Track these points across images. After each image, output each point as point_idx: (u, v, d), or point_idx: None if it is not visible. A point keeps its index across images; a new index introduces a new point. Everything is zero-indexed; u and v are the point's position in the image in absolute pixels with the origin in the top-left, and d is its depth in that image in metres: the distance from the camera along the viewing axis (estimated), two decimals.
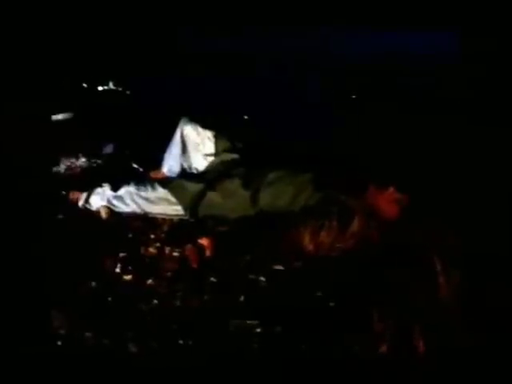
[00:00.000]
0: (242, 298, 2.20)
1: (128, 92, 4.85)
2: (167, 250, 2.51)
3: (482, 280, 2.25)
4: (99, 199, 2.83)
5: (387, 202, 2.53)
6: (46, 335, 1.99)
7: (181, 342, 1.98)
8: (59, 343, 1.96)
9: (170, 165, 3.06)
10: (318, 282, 2.28)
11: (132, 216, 2.76)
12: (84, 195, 2.87)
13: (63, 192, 2.97)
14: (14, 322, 2.05)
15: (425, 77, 5.37)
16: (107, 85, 4.93)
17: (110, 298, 2.20)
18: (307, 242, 2.44)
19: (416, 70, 5.70)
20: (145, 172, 3.23)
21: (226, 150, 2.93)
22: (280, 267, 2.39)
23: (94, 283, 2.28)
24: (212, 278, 2.31)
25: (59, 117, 3.36)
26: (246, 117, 4.28)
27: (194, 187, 2.73)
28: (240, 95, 4.60)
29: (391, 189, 2.54)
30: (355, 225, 2.45)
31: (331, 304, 2.18)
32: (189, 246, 2.47)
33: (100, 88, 4.90)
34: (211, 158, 2.93)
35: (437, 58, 6.00)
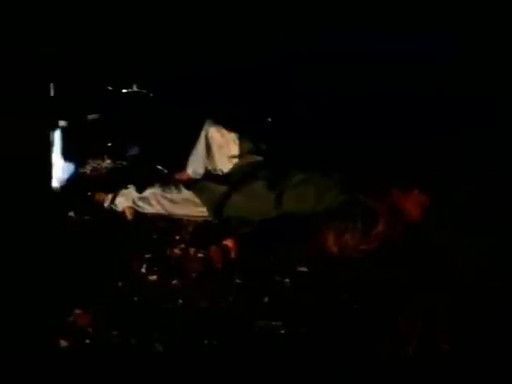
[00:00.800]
0: (266, 300, 2.21)
1: (152, 94, 4.87)
2: (192, 251, 2.53)
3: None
4: (124, 200, 2.86)
5: (411, 204, 2.53)
6: (73, 334, 2.02)
7: (206, 342, 2.00)
8: (87, 341, 1.98)
9: (195, 166, 3.08)
10: (342, 284, 2.29)
11: (157, 217, 2.79)
12: (110, 196, 2.89)
13: (89, 193, 3.00)
14: (40, 320, 2.08)
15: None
16: (131, 87, 4.96)
17: (135, 298, 2.22)
18: (331, 244, 2.45)
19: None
20: (169, 174, 3.25)
21: (250, 152, 2.94)
22: (304, 269, 2.40)
23: (119, 283, 2.30)
24: (236, 280, 2.33)
25: (92, 117, 3.39)
26: (269, 119, 4.28)
27: (218, 189, 2.75)
28: (264, 96, 4.60)
29: (415, 191, 2.54)
30: (379, 227, 2.46)
31: (355, 306, 2.18)
32: (213, 248, 2.49)
33: (124, 90, 4.93)
34: (235, 160, 2.94)
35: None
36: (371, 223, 2.46)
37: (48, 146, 2.58)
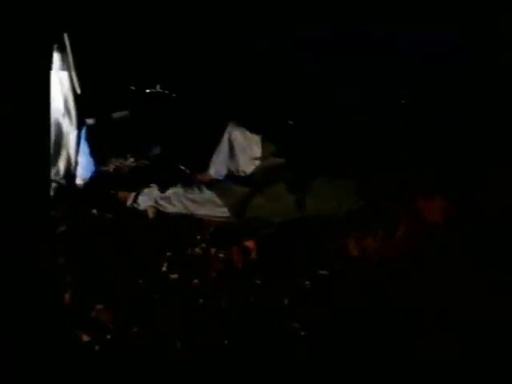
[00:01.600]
0: (286, 301, 2.22)
1: (175, 94, 4.90)
2: (213, 250, 2.55)
3: None
4: (147, 199, 2.88)
5: (433, 209, 2.52)
6: (94, 329, 2.04)
7: (226, 341, 2.01)
8: (108, 337, 2.01)
9: (217, 167, 3.10)
10: (363, 287, 2.29)
11: (179, 216, 2.81)
12: (132, 195, 2.92)
13: (112, 191, 3.03)
14: (62, 315, 2.11)
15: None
16: (154, 87, 4.99)
17: (156, 296, 2.24)
18: (352, 248, 2.46)
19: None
20: (192, 174, 3.27)
21: (272, 155, 2.96)
22: (324, 272, 2.40)
23: (141, 281, 2.32)
24: (257, 280, 2.34)
25: (115, 115, 3.42)
26: (291, 122, 4.28)
27: (240, 190, 2.77)
28: (285, 98, 4.61)
29: (437, 196, 2.54)
30: (400, 231, 2.46)
31: (375, 308, 2.18)
32: (234, 248, 2.50)
33: (147, 90, 4.96)
34: (258, 162, 2.96)
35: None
36: (392, 227, 2.46)
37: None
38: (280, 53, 5.83)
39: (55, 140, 2.74)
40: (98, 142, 3.09)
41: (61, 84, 2.67)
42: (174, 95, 4.85)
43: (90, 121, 2.89)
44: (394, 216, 2.51)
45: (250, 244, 2.50)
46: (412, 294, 2.24)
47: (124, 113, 3.50)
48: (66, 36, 2.63)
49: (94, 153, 3.09)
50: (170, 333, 2.05)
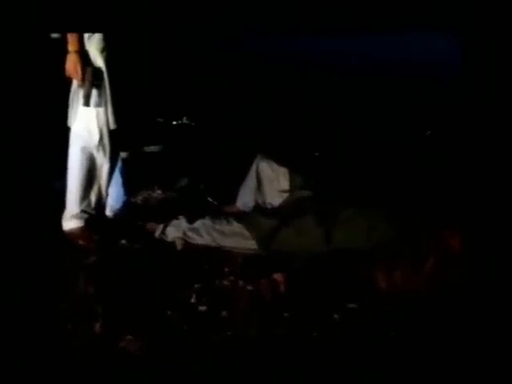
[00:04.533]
0: (315, 335, 2.21)
1: (201, 126, 4.96)
2: (241, 283, 2.55)
3: None
4: (175, 230, 2.91)
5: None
6: (123, 359, 2.05)
7: (254, 374, 2.00)
8: (135, 367, 2.01)
9: (245, 200, 3.13)
10: (392, 322, 2.27)
11: (207, 248, 2.82)
12: (160, 226, 2.95)
13: (140, 223, 3.06)
14: (91, 344, 2.12)
15: None
16: (181, 119, 5.06)
17: (185, 328, 2.24)
18: (381, 281, 2.45)
19: None
20: (219, 206, 3.30)
21: (300, 187, 2.98)
22: (353, 305, 2.39)
23: (169, 312, 2.33)
24: (285, 314, 2.33)
25: (151, 148, 3.49)
26: (316, 153, 4.31)
27: (267, 223, 2.78)
28: (312, 130, 4.65)
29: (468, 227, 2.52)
30: (430, 265, 2.44)
31: (404, 344, 2.16)
32: (263, 281, 2.51)
33: (174, 122, 5.03)
34: (285, 195, 2.98)
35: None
36: (422, 260, 2.46)
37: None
38: (303, 86, 5.90)
39: (88, 173, 2.81)
40: (129, 174, 3.14)
41: (97, 119, 2.73)
42: (200, 127, 4.92)
43: (123, 154, 2.94)
44: (423, 248, 2.50)
45: (278, 277, 2.50)
46: (440, 328, 2.23)
47: (157, 147, 3.57)
48: (104, 73, 2.70)
49: (124, 184, 3.14)
50: (198, 365, 2.05)
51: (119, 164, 3.00)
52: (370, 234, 2.63)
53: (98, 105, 2.72)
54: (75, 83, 2.74)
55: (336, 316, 2.32)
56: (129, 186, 3.17)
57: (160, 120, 4.94)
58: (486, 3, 1.92)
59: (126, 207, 3.17)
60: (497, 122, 2.01)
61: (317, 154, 4.30)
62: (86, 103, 2.70)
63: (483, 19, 1.92)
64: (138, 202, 3.44)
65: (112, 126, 2.74)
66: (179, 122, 5.07)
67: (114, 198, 3.08)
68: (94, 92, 2.71)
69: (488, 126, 2.04)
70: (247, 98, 5.52)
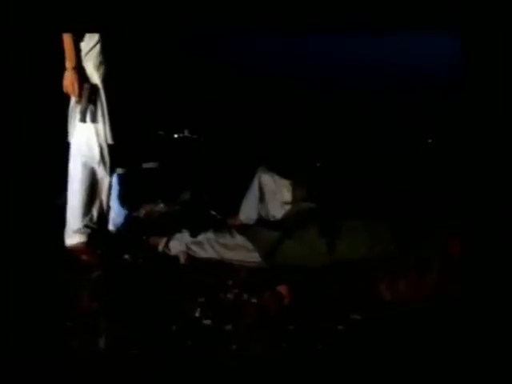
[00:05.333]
0: (319, 347, 2.21)
1: (203, 139, 4.96)
2: (245, 296, 2.55)
3: None
4: (178, 244, 2.91)
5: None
6: (126, 375, 2.05)
7: None
8: (139, 382, 2.01)
9: (247, 212, 3.14)
10: (396, 332, 2.27)
11: (210, 262, 2.83)
12: (164, 240, 2.95)
13: (143, 237, 3.07)
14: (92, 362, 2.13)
15: None
16: (183, 132, 5.07)
17: (189, 342, 2.24)
18: (384, 292, 2.45)
19: None
20: (222, 219, 3.30)
21: (303, 199, 2.98)
22: (357, 316, 2.39)
23: (173, 327, 2.33)
24: (290, 326, 2.33)
25: (148, 165, 3.50)
26: (318, 164, 4.31)
27: (271, 235, 2.79)
28: (314, 141, 4.65)
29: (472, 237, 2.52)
30: (434, 274, 2.44)
31: (409, 354, 2.16)
32: (267, 294, 2.51)
33: (176, 135, 5.04)
34: (288, 207, 2.99)
35: None
36: (425, 270, 2.45)
37: None
38: (305, 98, 5.91)
39: (90, 188, 2.82)
40: (128, 188, 3.15)
41: (97, 134, 2.75)
42: (203, 139, 4.92)
43: (119, 170, 2.95)
44: (426, 259, 2.50)
45: (282, 289, 2.50)
46: (445, 337, 2.22)
47: (153, 163, 3.58)
48: (101, 89, 2.73)
49: (126, 199, 3.15)
50: (204, 379, 2.04)
51: (116, 179, 3.01)
52: (373, 245, 2.63)
53: (94, 120, 2.74)
54: (73, 99, 2.76)
55: (340, 328, 2.32)
56: (126, 202, 3.17)
57: (161, 133, 4.95)
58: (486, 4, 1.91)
59: (128, 222, 3.17)
60: (498, 128, 2.01)
61: (319, 164, 4.30)
62: (83, 119, 2.73)
63: (483, 20, 1.91)
64: (141, 216, 3.44)
65: (109, 141, 2.75)
66: (181, 134, 5.08)
67: (116, 213, 3.09)
68: (91, 108, 2.73)
69: (488, 133, 2.03)
70: (248, 110, 5.53)
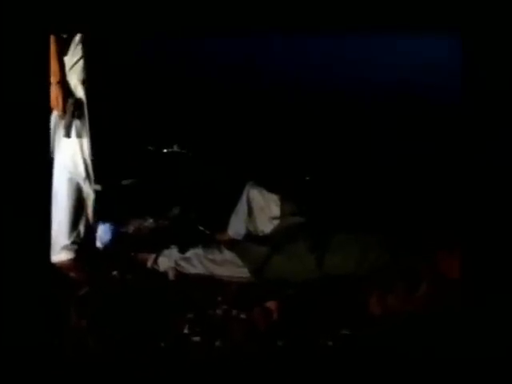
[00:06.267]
0: (309, 362, 2.20)
1: (192, 154, 4.96)
2: (234, 312, 2.54)
3: None
4: (167, 260, 2.89)
5: (456, 265, 2.50)
6: None
7: None
8: None
9: (236, 227, 3.12)
10: (386, 346, 2.26)
11: (199, 278, 2.81)
12: (152, 256, 2.94)
13: (132, 253, 3.05)
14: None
15: None
16: (171, 147, 5.06)
17: (178, 359, 2.22)
18: (374, 306, 2.44)
19: None
20: (211, 234, 3.29)
21: (291, 213, 2.98)
22: (347, 331, 2.38)
23: (162, 344, 2.31)
24: (279, 342, 2.32)
25: (127, 182, 3.48)
26: (307, 178, 4.31)
27: (259, 250, 2.78)
28: (303, 156, 4.66)
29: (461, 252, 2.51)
30: (423, 288, 2.44)
31: (400, 368, 2.15)
32: (256, 309, 2.49)
33: (165, 150, 5.03)
34: (277, 221, 2.98)
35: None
36: (415, 284, 2.45)
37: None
38: (294, 111, 5.92)
39: (76, 203, 2.79)
40: (112, 205, 3.13)
41: (81, 150, 2.73)
42: (191, 154, 4.92)
43: (97, 187, 2.92)
44: (416, 273, 2.50)
45: (271, 305, 2.49)
46: (438, 352, 2.21)
47: (131, 180, 3.56)
48: (84, 104, 2.71)
49: (113, 215, 3.13)
50: None
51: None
52: (363, 259, 2.63)
53: (79, 135, 2.72)
54: (56, 114, 2.74)
55: (330, 343, 2.31)
56: (116, 216, 3.15)
57: (150, 148, 4.94)
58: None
59: (117, 238, 3.15)
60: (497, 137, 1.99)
61: (308, 178, 4.30)
62: (67, 134, 2.70)
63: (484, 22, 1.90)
64: (130, 231, 3.42)
65: (90, 156, 2.74)
66: (170, 149, 5.07)
67: (102, 230, 3.07)
68: (76, 123, 2.71)
69: (485, 142, 2.01)
70: (238, 124, 5.54)
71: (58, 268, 2.83)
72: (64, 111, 2.68)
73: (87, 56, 2.69)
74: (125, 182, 3.74)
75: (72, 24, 2.06)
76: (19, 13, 1.73)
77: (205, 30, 2.08)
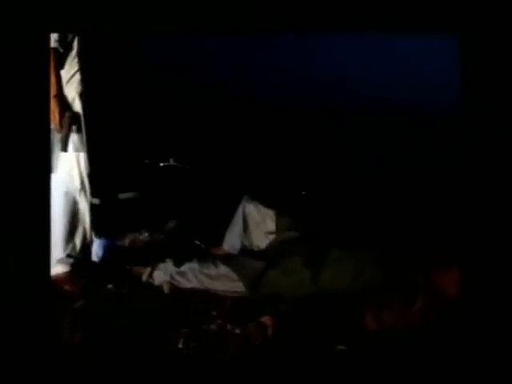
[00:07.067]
0: (304, 378, 2.19)
1: (189, 167, 4.96)
2: (229, 327, 2.53)
3: None
4: (162, 274, 2.89)
5: (452, 280, 2.50)
6: None
7: None
8: None
9: (231, 242, 3.13)
10: (382, 362, 2.26)
11: (194, 292, 2.81)
12: (148, 270, 2.93)
13: (127, 266, 3.04)
14: None
15: None
16: (168, 161, 5.06)
17: (172, 374, 2.22)
18: (370, 321, 2.44)
19: None
20: (207, 248, 3.29)
21: (287, 228, 2.98)
22: (342, 347, 2.38)
23: (157, 357, 2.30)
24: (274, 357, 2.31)
25: (125, 195, 3.48)
26: (303, 192, 4.31)
27: (255, 265, 2.78)
28: (299, 171, 4.66)
29: (456, 268, 2.52)
30: (419, 303, 2.44)
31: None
32: (251, 324, 2.49)
33: (161, 164, 5.03)
34: (272, 236, 2.99)
35: None
36: (410, 300, 2.45)
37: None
38: (291, 125, 5.93)
39: (72, 217, 2.80)
40: (106, 219, 3.12)
41: (78, 164, 2.74)
42: (187, 168, 4.92)
43: (95, 201, 2.92)
44: (411, 288, 2.50)
45: (266, 320, 2.48)
46: (434, 368, 2.21)
47: (130, 194, 3.57)
48: (81, 117, 2.72)
49: (108, 228, 3.13)
50: None
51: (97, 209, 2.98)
52: (359, 275, 2.63)
53: (77, 149, 2.72)
54: (53, 128, 2.74)
55: (325, 359, 2.30)
56: (112, 230, 3.14)
57: (147, 162, 4.94)
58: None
59: (109, 253, 3.15)
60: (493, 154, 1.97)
61: (303, 193, 4.31)
62: (64, 148, 2.71)
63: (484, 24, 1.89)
64: (125, 245, 3.42)
65: (87, 170, 2.74)
66: (166, 163, 5.07)
67: (98, 243, 3.06)
68: (74, 137, 2.71)
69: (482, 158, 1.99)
70: (234, 139, 5.54)
71: (53, 281, 2.83)
72: (61, 125, 2.69)
73: (84, 69, 2.70)
74: (123, 196, 3.73)
75: (71, 23, 2.05)
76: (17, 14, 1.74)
77: (206, 30, 2.07)
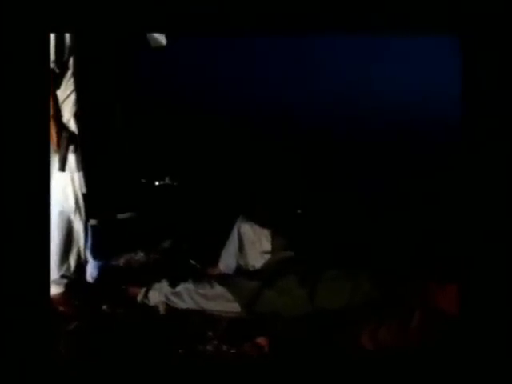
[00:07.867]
0: None
1: (184, 186, 4.97)
2: (225, 347, 2.52)
3: None
4: (157, 295, 2.88)
5: (448, 298, 2.50)
6: None
7: None
8: None
9: (227, 262, 3.12)
10: (379, 381, 2.24)
11: (190, 312, 2.79)
12: (143, 291, 2.92)
13: (122, 286, 3.03)
14: None
15: None
16: (163, 179, 5.07)
17: None
18: (366, 340, 2.43)
19: None
20: (202, 268, 3.28)
21: (282, 248, 2.98)
22: (338, 366, 2.36)
23: (152, 379, 2.29)
24: (271, 377, 2.30)
25: (122, 216, 3.47)
26: (299, 211, 4.32)
27: (250, 285, 2.77)
28: (295, 191, 4.67)
29: (452, 284, 2.51)
30: (415, 321, 2.43)
31: None
32: (246, 345, 2.48)
33: (156, 183, 5.04)
34: (268, 256, 2.98)
35: None
36: (407, 318, 2.45)
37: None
38: (286, 145, 5.95)
39: (66, 237, 2.78)
40: (103, 240, 3.11)
41: (72, 183, 2.73)
42: (183, 187, 4.93)
43: (93, 221, 2.91)
44: (408, 306, 2.49)
45: (261, 340, 2.47)
46: None
47: (128, 214, 3.56)
48: (78, 137, 2.71)
49: (100, 250, 3.11)
50: None
51: (90, 231, 2.96)
52: (354, 294, 2.61)
53: (72, 169, 2.72)
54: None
55: (322, 379, 2.29)
56: (101, 254, 3.13)
57: (143, 181, 4.95)
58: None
59: (107, 271, 3.13)
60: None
61: (299, 212, 4.31)
62: (62, 168, 2.70)
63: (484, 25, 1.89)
64: (120, 264, 3.41)
65: (83, 190, 2.74)
66: (161, 182, 5.08)
67: (92, 263, 3.05)
68: (71, 157, 2.71)
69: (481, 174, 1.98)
70: (230, 158, 5.56)
71: None
72: (58, 146, 2.69)
73: (79, 89, 2.70)
74: (121, 217, 3.73)
75: (71, 23, 2.05)
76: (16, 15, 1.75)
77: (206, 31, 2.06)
